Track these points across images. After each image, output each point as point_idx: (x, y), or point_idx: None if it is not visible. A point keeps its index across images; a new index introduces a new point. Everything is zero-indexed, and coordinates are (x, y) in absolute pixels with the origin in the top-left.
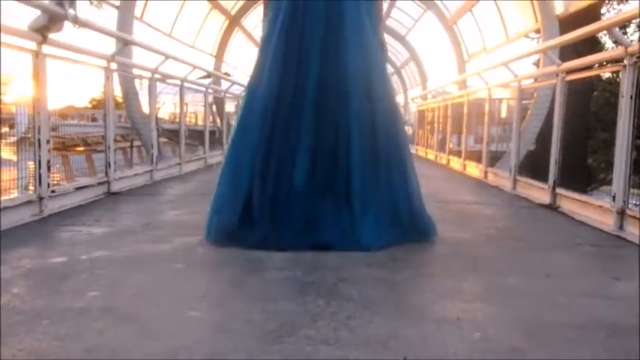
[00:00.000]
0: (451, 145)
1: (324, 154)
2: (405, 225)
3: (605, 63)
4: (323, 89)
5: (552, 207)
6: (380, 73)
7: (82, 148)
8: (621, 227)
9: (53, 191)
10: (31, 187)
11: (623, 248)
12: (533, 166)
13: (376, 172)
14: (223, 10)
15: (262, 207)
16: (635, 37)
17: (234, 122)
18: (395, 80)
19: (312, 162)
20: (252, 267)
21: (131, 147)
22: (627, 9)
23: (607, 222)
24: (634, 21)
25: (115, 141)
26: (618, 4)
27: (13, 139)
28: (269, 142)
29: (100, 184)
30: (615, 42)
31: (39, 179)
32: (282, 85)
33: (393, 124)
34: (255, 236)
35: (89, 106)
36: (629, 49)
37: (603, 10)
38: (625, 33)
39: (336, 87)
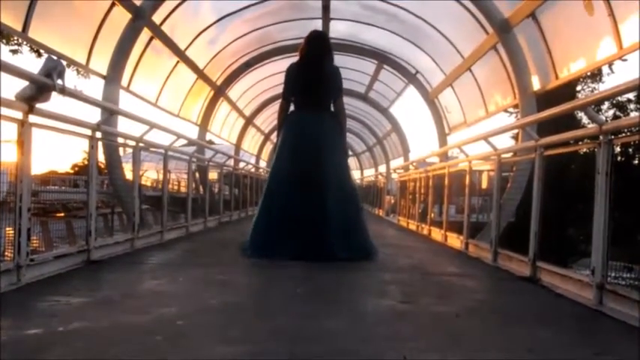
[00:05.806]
0: (433, 216)
1: (317, 208)
2: (359, 248)
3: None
4: (314, 172)
5: (533, 280)
6: (344, 165)
7: (62, 214)
8: (601, 302)
9: (32, 260)
10: (8, 254)
11: (602, 323)
12: (513, 237)
13: (343, 219)
14: (209, 81)
15: (291, 236)
16: (610, 113)
17: (263, 188)
18: (377, 151)
19: (311, 212)
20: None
21: (112, 213)
22: (601, 87)
23: (587, 296)
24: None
25: (97, 207)
26: (592, 82)
27: None
28: (291, 200)
29: (79, 252)
30: (591, 119)
31: (18, 248)
32: (295, 169)
33: (352, 194)
34: (284, 252)
35: (71, 171)
36: (604, 128)
37: (579, 87)
38: (599, 110)
39: (320, 172)
